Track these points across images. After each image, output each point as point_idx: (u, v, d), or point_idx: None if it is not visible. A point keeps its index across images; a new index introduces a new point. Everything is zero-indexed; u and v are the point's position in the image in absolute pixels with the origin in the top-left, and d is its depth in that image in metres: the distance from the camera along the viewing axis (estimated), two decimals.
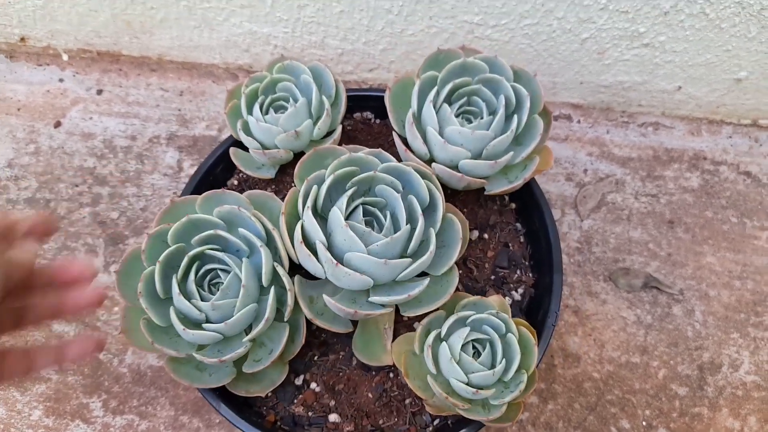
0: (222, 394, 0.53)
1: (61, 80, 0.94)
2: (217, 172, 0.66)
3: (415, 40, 0.82)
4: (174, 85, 0.93)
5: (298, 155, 0.60)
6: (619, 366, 0.74)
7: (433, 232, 0.50)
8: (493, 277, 0.60)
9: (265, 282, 0.49)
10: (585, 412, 0.71)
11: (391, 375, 0.56)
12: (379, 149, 0.53)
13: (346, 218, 0.51)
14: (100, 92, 0.93)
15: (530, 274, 0.62)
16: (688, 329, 0.76)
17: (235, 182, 0.67)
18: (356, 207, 0.51)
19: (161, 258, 0.48)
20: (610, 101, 0.90)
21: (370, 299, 0.49)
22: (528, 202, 0.63)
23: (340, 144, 0.58)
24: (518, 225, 0.64)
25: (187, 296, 0.48)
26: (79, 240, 0.81)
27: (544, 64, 0.84)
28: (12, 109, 0.91)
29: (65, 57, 0.94)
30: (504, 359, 0.49)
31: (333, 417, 0.54)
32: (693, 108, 0.89)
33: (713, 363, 0.74)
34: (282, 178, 0.64)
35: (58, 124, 0.89)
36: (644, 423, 0.71)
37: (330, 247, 0.49)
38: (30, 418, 0.70)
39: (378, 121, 0.70)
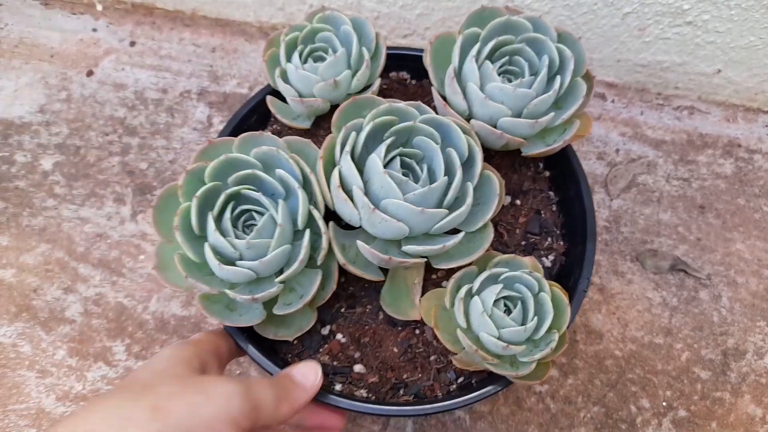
0: (250, 336, 0.53)
1: (94, 30, 0.94)
2: (251, 122, 0.65)
3: (453, 6, 0.81)
4: (206, 41, 0.93)
5: (334, 107, 0.60)
6: (642, 346, 0.73)
7: (470, 186, 0.49)
8: (523, 243, 0.59)
9: (300, 224, 0.49)
10: (605, 388, 0.71)
11: (417, 331, 0.56)
12: (419, 102, 0.52)
13: (385, 167, 0.50)
14: (132, 44, 0.92)
15: (561, 242, 0.61)
16: (713, 314, 0.75)
17: (269, 132, 0.66)
18: (394, 157, 0.51)
19: (198, 194, 0.48)
20: (647, 82, 0.88)
21: (403, 248, 0.49)
22: (564, 170, 0.62)
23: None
24: (551, 193, 0.63)
25: (223, 233, 0.48)
26: (108, 188, 0.81)
27: (583, 38, 0.82)
28: (45, 56, 0.91)
29: (99, 7, 0.94)
30: (536, 317, 0.49)
31: (358, 368, 0.54)
32: (730, 93, 0.88)
33: (738, 349, 0.73)
34: (316, 131, 0.63)
35: (90, 73, 0.89)
36: (664, 403, 0.70)
37: (366, 194, 0.49)
38: (54, 357, 0.70)
39: (414, 81, 0.70)
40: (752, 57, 0.81)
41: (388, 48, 0.66)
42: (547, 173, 0.65)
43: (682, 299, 0.76)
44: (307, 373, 0.48)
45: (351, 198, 0.48)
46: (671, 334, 0.74)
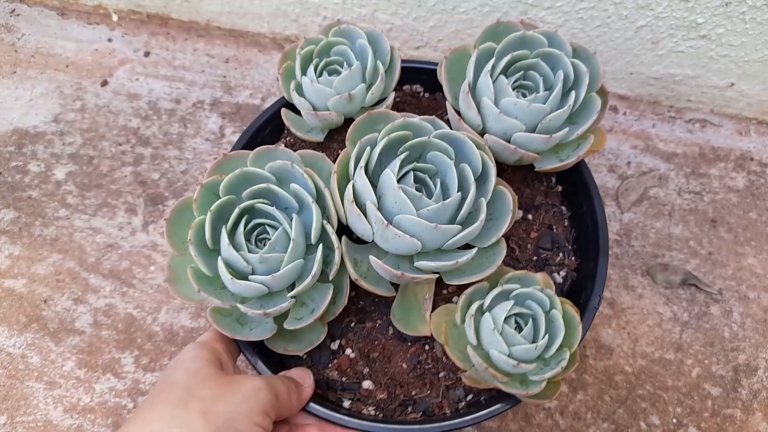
0: (259, 351, 0.54)
1: (109, 40, 0.95)
2: (264, 134, 0.66)
3: (467, 18, 0.81)
4: (220, 52, 0.94)
5: (348, 121, 0.60)
6: (652, 361, 0.73)
7: (484, 202, 0.49)
8: (535, 258, 0.59)
9: (313, 239, 0.49)
10: (615, 404, 0.70)
11: (426, 347, 0.56)
12: (434, 116, 0.53)
13: (399, 182, 0.50)
14: (147, 54, 0.93)
15: (573, 258, 0.61)
16: (725, 330, 0.75)
17: (282, 145, 0.67)
18: (407, 172, 0.51)
19: (213, 208, 0.48)
20: (659, 94, 0.88)
21: (415, 264, 0.49)
22: (577, 184, 0.62)
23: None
24: (563, 208, 0.63)
25: (236, 247, 0.49)
26: (120, 198, 0.81)
27: (596, 51, 0.82)
28: (60, 66, 0.92)
29: (115, 17, 0.95)
30: (547, 335, 0.49)
31: (366, 384, 0.54)
32: (743, 107, 0.87)
33: (749, 365, 0.73)
34: (330, 144, 0.63)
35: (104, 83, 0.90)
36: (674, 420, 0.70)
37: (380, 209, 0.49)
38: (63, 368, 0.71)
39: (427, 95, 0.70)
40: (766, 70, 0.80)
41: (402, 62, 0.67)
42: (560, 188, 0.64)
43: (693, 314, 0.76)
44: (303, 375, 0.52)
45: (364, 213, 0.48)
46: (682, 350, 0.74)
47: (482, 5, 0.78)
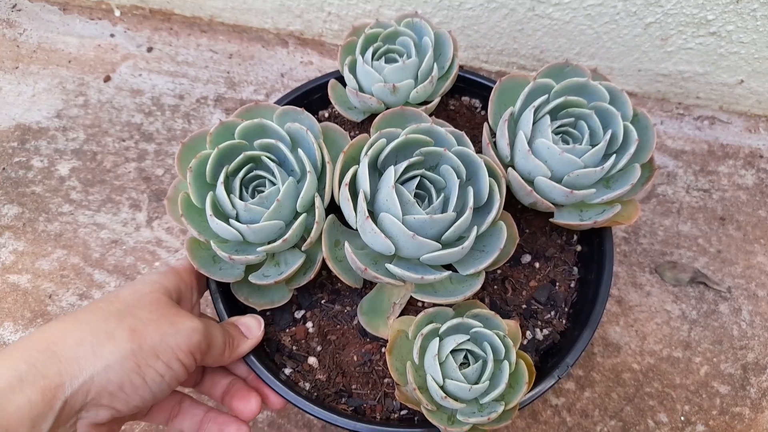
0: (224, 292, 0.55)
1: (112, 35, 0.94)
2: (313, 98, 0.66)
3: (473, 15, 0.80)
4: (224, 48, 0.93)
5: None
6: (660, 359, 0.72)
7: (475, 231, 0.48)
8: (524, 307, 0.57)
9: (299, 207, 0.50)
10: (622, 402, 0.70)
11: (383, 350, 0.55)
12: (463, 132, 0.51)
13: (401, 183, 0.50)
14: (150, 50, 0.93)
15: (564, 321, 0.58)
16: (733, 328, 0.74)
17: (326, 114, 0.67)
18: (415, 176, 0.50)
19: (221, 145, 0.50)
20: (667, 91, 0.87)
21: (386, 265, 0.48)
22: (595, 250, 0.59)
23: (431, 116, 0.57)
24: (575, 269, 0.60)
25: (229, 189, 0.50)
26: (124, 194, 0.81)
27: (603, 47, 0.82)
28: (63, 61, 0.91)
29: (117, 12, 0.94)
30: (488, 382, 0.47)
31: (312, 360, 0.54)
32: (753, 104, 0.87)
33: (758, 364, 0.72)
34: (367, 127, 0.63)
35: (107, 79, 0.89)
36: (682, 418, 0.69)
37: (371, 202, 0.49)
38: None
39: (483, 112, 0.68)
40: None
41: (468, 72, 0.66)
42: (579, 247, 0.61)
43: (702, 312, 0.75)
44: (252, 326, 0.53)
45: (355, 200, 0.48)
46: (690, 348, 0.73)
47: (488, 1, 0.78)
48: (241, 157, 0.51)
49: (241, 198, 0.51)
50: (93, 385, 0.40)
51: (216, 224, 0.48)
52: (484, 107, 0.69)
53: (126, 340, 0.42)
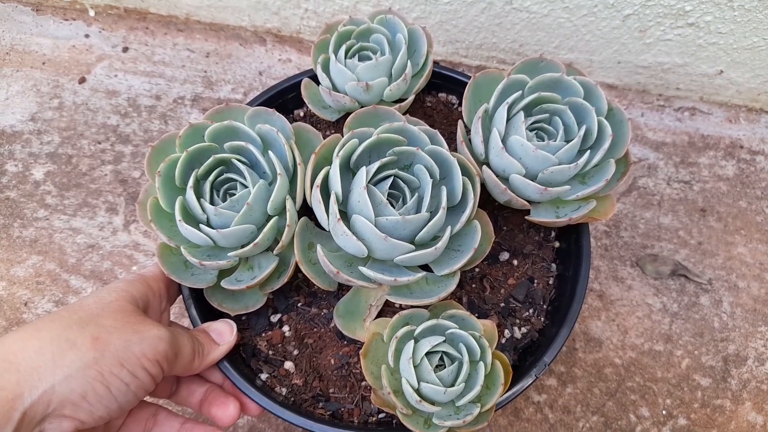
0: (198, 298, 0.54)
1: (86, 36, 0.92)
2: (288, 97, 0.65)
3: (450, 9, 0.79)
4: (201, 47, 0.92)
5: None
6: (641, 353, 0.72)
7: (449, 231, 0.47)
8: (502, 305, 0.57)
9: (270, 210, 0.49)
10: (604, 397, 0.70)
11: (360, 352, 0.54)
12: (436, 131, 0.51)
13: (374, 183, 0.49)
14: (125, 50, 0.91)
15: (542, 318, 0.57)
16: (714, 320, 0.74)
17: (301, 114, 0.67)
18: (388, 176, 0.50)
19: (191, 148, 0.49)
20: (647, 83, 0.87)
21: (359, 268, 0.48)
22: (573, 246, 0.59)
23: (405, 114, 0.56)
24: (553, 265, 0.60)
25: (199, 193, 0.49)
26: (100, 197, 0.80)
27: (582, 40, 0.81)
28: (37, 63, 0.90)
29: (92, 12, 0.93)
30: (464, 384, 0.46)
31: (288, 365, 0.54)
32: (733, 94, 0.86)
33: (738, 356, 0.72)
34: (342, 127, 0.62)
35: (82, 80, 0.88)
36: (664, 412, 0.69)
37: (343, 203, 0.49)
38: None
39: (460, 108, 0.67)
40: (755, 58, 0.79)
41: (444, 69, 0.65)
42: (557, 244, 0.60)
43: (683, 305, 0.75)
44: (223, 332, 0.52)
45: (327, 202, 0.47)
46: (671, 341, 0.73)
47: None
48: (211, 160, 0.50)
49: (212, 202, 0.50)
50: (54, 395, 0.39)
51: (186, 229, 0.48)
52: (461, 103, 0.68)
53: (88, 349, 0.41)
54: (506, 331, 0.56)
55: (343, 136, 0.50)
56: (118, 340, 0.42)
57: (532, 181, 0.51)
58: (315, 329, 0.55)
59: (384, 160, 0.49)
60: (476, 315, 0.52)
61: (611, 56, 0.83)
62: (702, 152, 0.86)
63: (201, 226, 0.48)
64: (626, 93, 0.89)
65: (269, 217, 0.50)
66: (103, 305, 0.45)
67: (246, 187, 0.50)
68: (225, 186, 0.51)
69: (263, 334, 0.55)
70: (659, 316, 0.74)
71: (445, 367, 0.47)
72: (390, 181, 0.49)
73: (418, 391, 0.46)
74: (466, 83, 0.58)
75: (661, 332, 0.73)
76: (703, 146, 0.86)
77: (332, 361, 0.54)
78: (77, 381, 0.40)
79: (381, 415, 0.53)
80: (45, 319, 0.43)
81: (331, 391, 0.53)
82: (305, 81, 0.62)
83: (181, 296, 0.55)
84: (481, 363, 0.47)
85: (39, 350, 0.40)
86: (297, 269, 0.51)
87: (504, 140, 0.52)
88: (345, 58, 0.58)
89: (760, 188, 0.83)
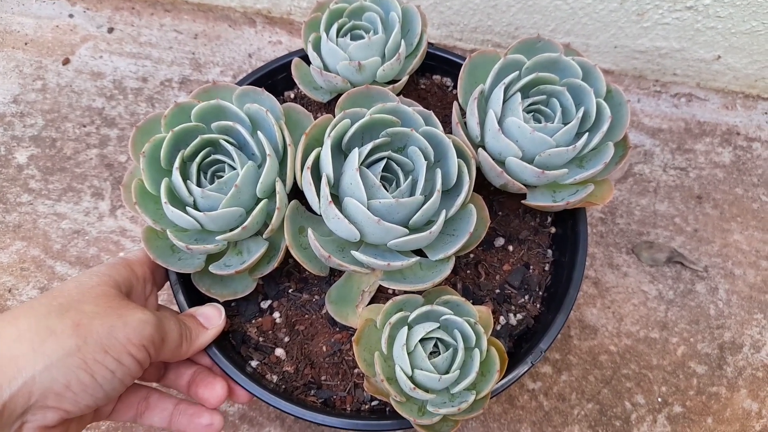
0: (185, 284, 0.53)
1: (71, 15, 0.90)
2: (278, 78, 0.63)
3: None
4: (188, 28, 0.89)
5: None
6: (637, 340, 0.72)
7: (444, 215, 0.46)
8: (498, 291, 0.55)
9: (259, 192, 0.48)
10: (599, 385, 0.69)
11: (353, 339, 0.53)
12: (431, 112, 0.49)
13: (367, 166, 0.48)
14: (111, 30, 0.89)
15: (537, 305, 0.56)
16: (710, 307, 0.74)
17: (292, 95, 0.65)
18: (381, 158, 0.48)
19: (177, 128, 0.48)
20: (644, 68, 0.85)
21: (352, 252, 0.46)
22: (569, 232, 0.57)
23: (398, 95, 0.54)
24: (549, 251, 0.59)
25: (185, 175, 0.48)
26: (86, 182, 0.78)
27: (579, 23, 0.80)
28: (19, 44, 0.87)
29: None
30: (459, 371, 0.45)
31: (279, 352, 0.53)
32: (730, 80, 0.85)
33: (734, 343, 0.72)
34: (334, 108, 0.61)
35: (66, 62, 0.85)
36: (659, 399, 0.69)
37: (335, 186, 0.47)
38: None
39: (455, 90, 0.65)
40: (753, 43, 0.78)
41: (439, 50, 0.63)
42: (553, 229, 0.59)
43: (679, 292, 0.75)
44: (211, 316, 0.50)
45: (318, 184, 0.46)
46: (667, 328, 0.72)
47: None
48: (197, 140, 0.48)
49: (199, 184, 0.48)
50: (35, 385, 0.37)
51: (172, 212, 0.46)
52: (456, 86, 0.66)
53: (69, 336, 0.39)
54: (501, 318, 0.55)
55: (335, 117, 0.49)
56: (100, 326, 0.41)
57: (529, 164, 0.50)
58: (306, 315, 0.54)
59: (377, 141, 0.47)
60: (471, 301, 0.50)
61: (608, 40, 0.81)
62: (698, 139, 0.85)
63: (188, 208, 0.47)
64: (623, 78, 0.88)
65: (258, 200, 0.49)
66: (84, 290, 0.43)
67: (234, 168, 0.49)
68: (212, 168, 0.50)
69: (253, 321, 0.54)
70: (655, 303, 0.74)
71: (439, 354, 0.46)
72: (383, 163, 0.48)
73: (412, 379, 0.45)
74: (461, 65, 0.56)
75: (656, 319, 0.73)
76: (699, 133, 0.85)
77: (324, 348, 0.53)
78: (59, 370, 0.38)
79: (374, 403, 0.52)
80: (23, 307, 0.41)
81: (323, 378, 0.52)
82: (296, 60, 0.60)
83: (168, 282, 0.53)
84: (476, 350, 0.46)
85: (17, 339, 0.38)
86: (287, 254, 0.50)
87: (500, 122, 0.51)
88: (337, 36, 0.56)
89: (756, 175, 0.82)
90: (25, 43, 0.87)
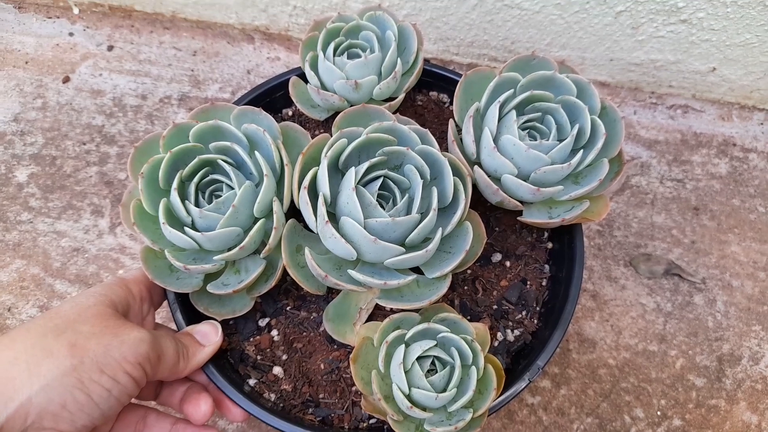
0: (183, 302, 0.53)
1: (71, 34, 0.91)
2: (276, 96, 0.64)
3: (441, 6, 0.78)
4: (187, 45, 0.90)
5: None
6: (635, 353, 0.72)
7: (440, 233, 0.47)
8: (495, 307, 0.56)
9: (257, 212, 0.48)
10: (599, 398, 0.69)
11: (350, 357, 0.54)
12: (427, 130, 0.49)
13: (364, 184, 0.48)
14: (111, 48, 0.89)
15: (534, 321, 0.56)
16: (708, 319, 0.74)
17: (290, 113, 0.65)
18: (378, 177, 0.49)
19: (175, 149, 0.48)
20: (640, 81, 0.86)
21: (349, 271, 0.47)
22: (566, 248, 0.58)
23: (395, 113, 0.55)
24: (546, 267, 0.59)
25: (184, 195, 0.48)
26: (85, 200, 0.78)
27: (574, 37, 0.80)
28: (20, 62, 0.88)
29: (76, 10, 0.91)
30: (456, 389, 0.45)
31: (277, 370, 0.53)
32: (725, 91, 0.86)
33: (733, 355, 0.72)
34: (331, 126, 0.61)
35: (66, 80, 0.86)
36: (659, 413, 0.69)
37: (332, 205, 0.47)
38: None
39: (451, 107, 0.66)
40: (748, 55, 0.79)
41: (435, 67, 0.64)
42: (550, 245, 0.59)
43: (677, 304, 0.75)
44: (208, 333, 0.51)
45: (315, 203, 0.46)
46: (665, 341, 0.72)
47: None
48: (195, 161, 0.49)
49: (197, 204, 0.49)
50: (32, 407, 0.37)
51: (170, 232, 0.46)
52: (453, 102, 0.67)
53: (65, 356, 0.39)
54: (499, 334, 0.55)
55: (331, 136, 0.49)
56: (96, 345, 0.41)
57: (525, 181, 0.50)
58: (304, 333, 0.54)
59: (373, 160, 0.48)
60: (468, 318, 0.51)
61: (603, 53, 0.82)
62: (695, 150, 0.85)
63: (186, 228, 0.47)
64: (618, 90, 0.88)
65: (256, 220, 0.49)
66: (81, 311, 0.43)
67: (232, 188, 0.49)
68: (210, 187, 0.50)
69: (251, 339, 0.54)
70: (653, 315, 0.74)
71: (436, 372, 0.46)
72: (380, 182, 0.48)
73: (409, 397, 0.45)
74: (458, 81, 0.57)
75: (655, 332, 0.73)
76: (695, 144, 0.86)
77: (322, 366, 0.53)
78: (56, 390, 0.38)
79: (372, 421, 0.52)
80: (19, 329, 0.41)
81: (320, 396, 0.52)
82: (293, 79, 0.61)
83: (167, 300, 0.53)
84: (474, 367, 0.46)
85: (13, 361, 0.38)
86: (285, 272, 0.50)
87: (496, 140, 0.51)
88: (334, 55, 0.57)
89: (753, 186, 0.83)
90: (26, 62, 0.88)
